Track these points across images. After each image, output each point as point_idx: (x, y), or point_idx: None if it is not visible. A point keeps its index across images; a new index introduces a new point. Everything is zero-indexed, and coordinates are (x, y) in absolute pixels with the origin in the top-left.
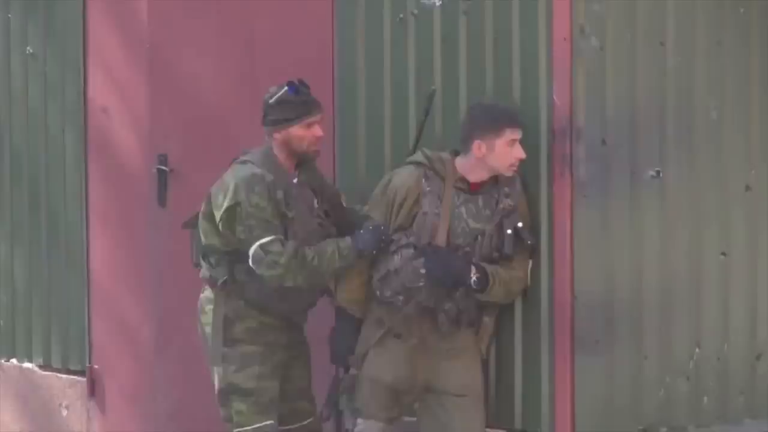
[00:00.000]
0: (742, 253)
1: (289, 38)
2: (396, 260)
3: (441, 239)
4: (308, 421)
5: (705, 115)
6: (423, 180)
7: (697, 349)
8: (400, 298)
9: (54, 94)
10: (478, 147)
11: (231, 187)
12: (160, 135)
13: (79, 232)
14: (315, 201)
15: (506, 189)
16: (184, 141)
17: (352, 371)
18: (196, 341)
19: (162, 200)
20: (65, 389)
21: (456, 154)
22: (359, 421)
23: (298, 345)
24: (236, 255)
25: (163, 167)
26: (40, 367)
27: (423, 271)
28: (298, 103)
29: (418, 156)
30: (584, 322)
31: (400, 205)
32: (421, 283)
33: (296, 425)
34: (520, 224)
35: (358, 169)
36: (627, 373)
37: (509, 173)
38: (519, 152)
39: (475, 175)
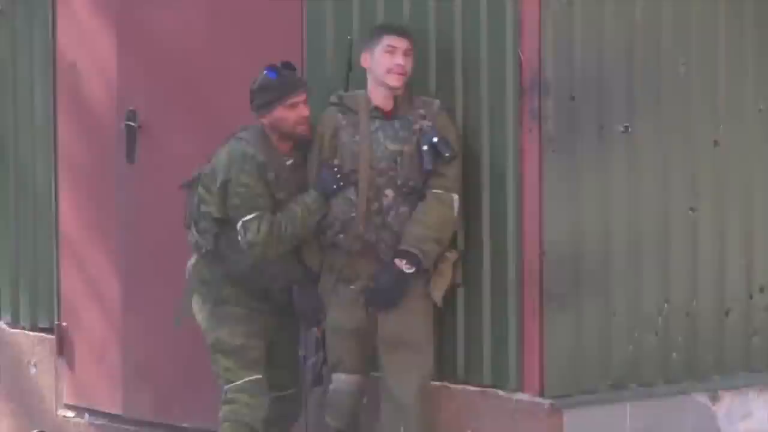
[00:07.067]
0: (710, 208)
1: None
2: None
3: (364, 164)
4: (288, 392)
5: (673, 71)
6: (339, 115)
7: (665, 305)
8: (341, 236)
9: (23, 50)
10: (365, 59)
11: (224, 163)
12: (129, 91)
13: (48, 188)
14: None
15: (421, 111)
16: (153, 97)
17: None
18: (165, 298)
19: (131, 156)
20: (34, 347)
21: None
22: (333, 376)
23: (285, 315)
24: (222, 226)
25: (132, 123)
26: (9, 324)
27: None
28: (279, 84)
29: (332, 97)
30: (553, 278)
31: (321, 141)
32: (353, 214)
33: (274, 394)
34: (435, 139)
35: None
36: (596, 329)
37: (392, 83)
38: (398, 59)
39: (381, 99)
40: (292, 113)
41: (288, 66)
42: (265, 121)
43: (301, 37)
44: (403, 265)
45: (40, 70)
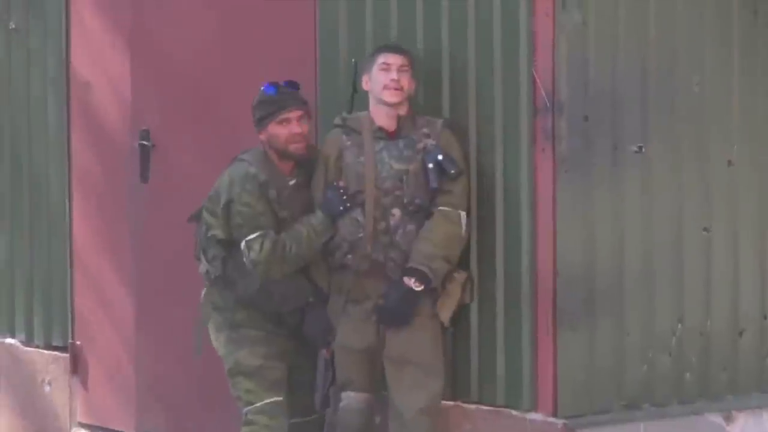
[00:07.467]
0: (724, 228)
1: (270, 13)
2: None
3: (369, 185)
4: (312, 417)
5: (687, 90)
6: (343, 137)
7: (679, 325)
8: (349, 257)
9: (37, 69)
10: (365, 81)
11: (226, 184)
12: (142, 110)
13: (62, 208)
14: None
15: (425, 130)
16: (167, 116)
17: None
18: (178, 317)
19: (144, 175)
20: (48, 365)
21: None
22: (343, 395)
23: (301, 338)
24: (229, 249)
25: (146, 142)
26: (23, 342)
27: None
28: (274, 100)
29: (336, 119)
30: (566, 298)
31: (326, 163)
32: (360, 235)
33: (298, 420)
34: (440, 157)
35: None
36: (609, 348)
37: (388, 99)
38: (393, 75)
39: (383, 118)
40: (284, 129)
41: (291, 84)
42: (262, 137)
43: (314, 53)
44: (412, 283)
45: (53, 88)
